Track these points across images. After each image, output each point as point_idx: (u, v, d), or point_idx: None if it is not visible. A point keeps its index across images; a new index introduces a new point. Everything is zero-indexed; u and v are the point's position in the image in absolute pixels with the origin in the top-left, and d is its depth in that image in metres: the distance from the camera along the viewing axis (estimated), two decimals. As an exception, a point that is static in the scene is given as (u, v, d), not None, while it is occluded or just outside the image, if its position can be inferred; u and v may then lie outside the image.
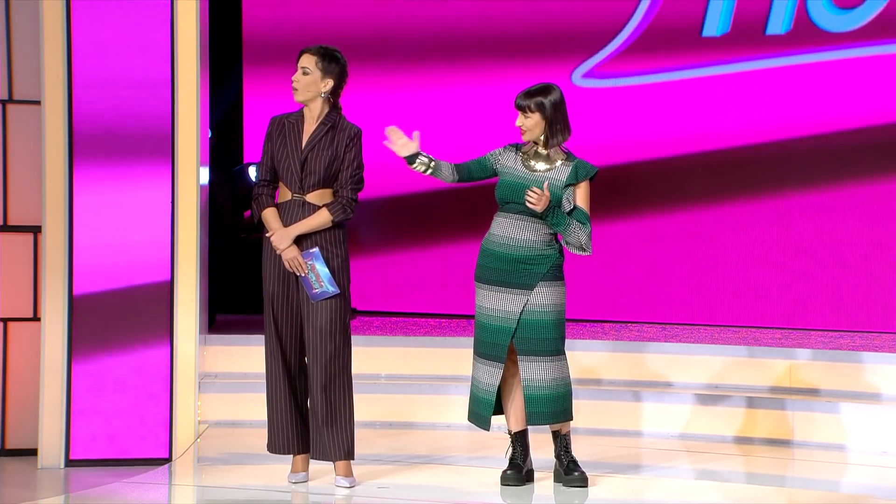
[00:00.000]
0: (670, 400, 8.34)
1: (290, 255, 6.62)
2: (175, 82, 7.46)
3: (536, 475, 6.98)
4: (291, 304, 6.71)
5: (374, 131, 10.41)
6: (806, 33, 9.99)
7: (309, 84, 6.66)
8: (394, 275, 10.82)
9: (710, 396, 8.32)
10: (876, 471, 7.48)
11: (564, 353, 6.82)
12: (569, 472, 6.85)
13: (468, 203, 10.57)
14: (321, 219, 6.65)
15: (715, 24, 10.20)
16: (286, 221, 6.64)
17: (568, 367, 6.83)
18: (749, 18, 10.12)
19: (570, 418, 6.86)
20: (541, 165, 6.79)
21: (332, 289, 6.63)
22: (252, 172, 10.90)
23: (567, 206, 6.74)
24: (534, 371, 6.74)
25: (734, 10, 10.14)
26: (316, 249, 6.63)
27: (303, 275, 6.63)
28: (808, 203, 10.00)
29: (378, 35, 10.74)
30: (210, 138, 9.64)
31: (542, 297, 6.76)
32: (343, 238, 6.72)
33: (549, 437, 6.97)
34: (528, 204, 6.65)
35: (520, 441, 6.89)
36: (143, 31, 7.42)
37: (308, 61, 6.67)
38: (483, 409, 6.83)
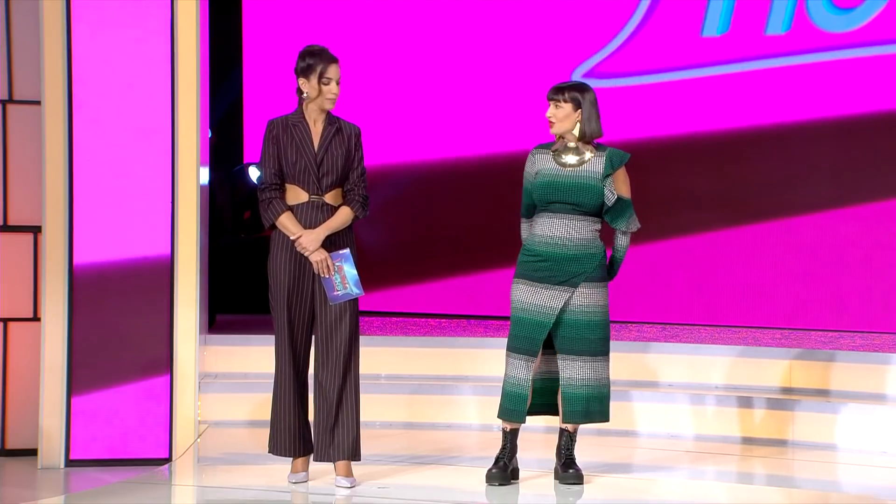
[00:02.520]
0: (670, 400, 8.34)
1: (319, 256, 6.63)
2: (175, 82, 7.45)
3: (536, 475, 6.99)
4: (305, 305, 6.72)
5: (374, 130, 10.43)
6: (805, 33, 10.00)
7: (337, 94, 6.72)
8: (394, 274, 10.82)
9: (710, 396, 8.32)
10: (876, 471, 7.48)
11: (608, 355, 6.82)
12: (565, 468, 6.87)
13: (470, 202, 10.57)
14: (343, 217, 6.68)
15: (715, 24, 10.20)
16: (304, 223, 6.65)
17: (608, 369, 6.83)
18: (749, 18, 10.12)
19: (606, 419, 6.86)
20: (571, 159, 6.81)
21: (356, 291, 6.64)
22: (253, 173, 10.89)
23: (611, 197, 6.76)
24: (573, 370, 6.75)
25: (734, 10, 10.14)
26: (347, 251, 6.65)
27: (327, 276, 6.64)
28: (809, 203, 10.00)
29: (377, 35, 10.74)
30: (210, 138, 9.64)
31: (587, 298, 6.76)
32: (354, 238, 6.76)
33: (546, 436, 6.97)
34: None
35: (513, 439, 6.89)
36: (143, 31, 7.41)
37: (339, 71, 6.72)
38: (516, 405, 6.80)
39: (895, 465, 7.57)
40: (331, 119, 6.74)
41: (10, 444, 7.67)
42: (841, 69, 9.91)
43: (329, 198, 6.69)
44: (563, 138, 6.86)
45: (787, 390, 8.38)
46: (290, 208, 6.67)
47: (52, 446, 7.38)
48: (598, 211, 6.80)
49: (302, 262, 6.67)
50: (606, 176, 6.77)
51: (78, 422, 7.38)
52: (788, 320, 10.01)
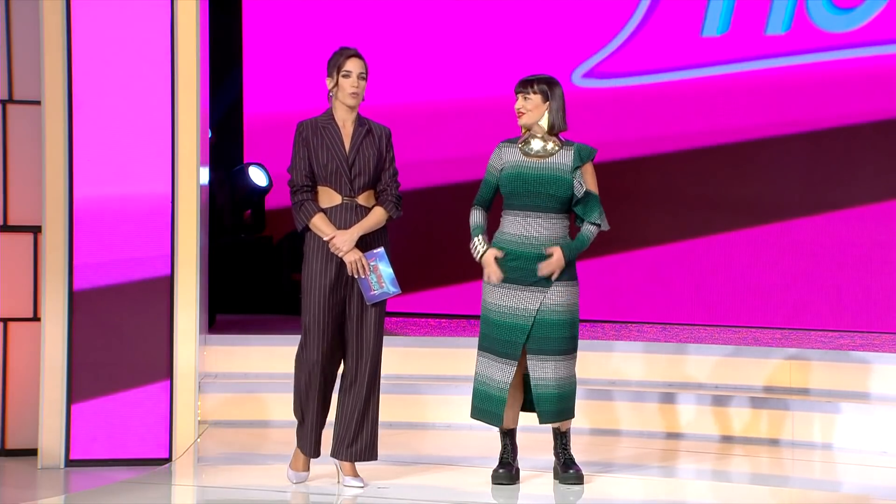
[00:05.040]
0: (669, 400, 8.34)
1: (353, 257, 6.62)
2: (175, 82, 7.45)
3: (536, 474, 6.99)
4: (342, 307, 6.70)
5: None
6: (805, 33, 10.00)
7: (364, 89, 6.71)
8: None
9: (710, 396, 8.32)
10: (876, 471, 7.49)
11: (575, 353, 6.83)
12: (565, 469, 6.87)
13: (470, 202, 10.57)
14: (377, 218, 6.68)
15: (715, 24, 10.20)
16: (338, 225, 6.63)
17: (575, 367, 6.84)
18: (749, 18, 10.13)
19: (572, 416, 6.87)
20: (537, 145, 6.82)
21: (393, 289, 6.64)
22: (254, 173, 10.88)
23: (580, 190, 6.77)
24: (545, 370, 6.75)
25: (734, 10, 10.14)
26: (381, 249, 6.65)
27: (363, 277, 6.63)
28: (808, 203, 10.00)
29: (376, 35, 10.74)
30: (210, 138, 9.64)
31: (558, 297, 6.77)
32: (387, 238, 6.77)
33: (548, 436, 6.97)
34: (545, 273, 6.70)
35: (511, 439, 6.90)
36: (143, 31, 7.42)
37: (362, 66, 6.70)
38: (497, 407, 6.82)
39: (895, 465, 7.57)
40: (360, 120, 6.74)
41: (10, 444, 7.68)
42: (841, 69, 9.91)
43: (362, 199, 6.68)
44: (528, 131, 6.86)
45: (787, 390, 8.38)
46: (323, 210, 6.66)
47: (52, 446, 7.38)
48: (566, 206, 6.79)
49: (338, 267, 6.66)
50: (576, 168, 6.78)
51: (78, 422, 7.38)
52: (788, 320, 10.01)
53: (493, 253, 6.79)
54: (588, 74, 10.43)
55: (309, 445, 6.79)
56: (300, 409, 6.76)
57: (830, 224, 9.93)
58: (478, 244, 6.86)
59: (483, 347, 6.87)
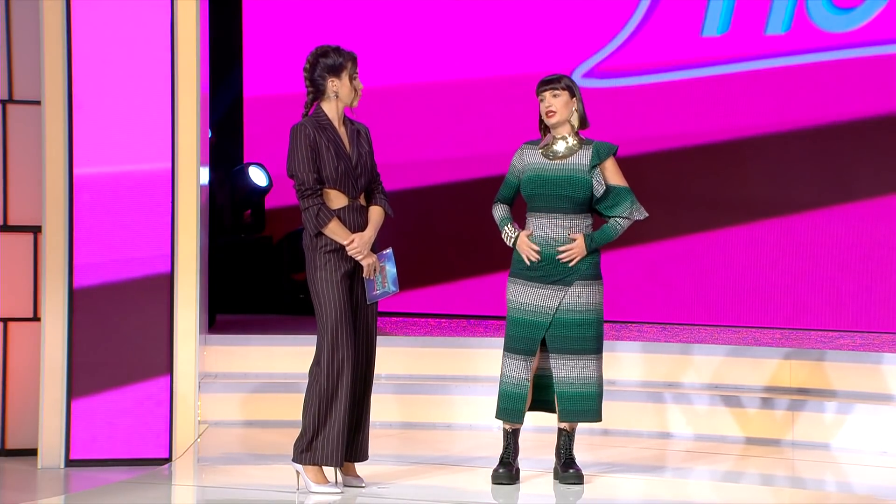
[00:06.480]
0: (669, 400, 8.35)
1: (371, 260, 6.62)
2: (175, 82, 7.46)
3: (536, 474, 6.99)
4: (354, 309, 6.71)
5: (373, 129, 10.37)
6: (805, 33, 10.00)
7: None
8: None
9: (710, 396, 8.32)
10: (876, 471, 7.49)
11: (601, 353, 6.84)
12: (565, 468, 6.87)
13: (469, 201, 10.57)
14: (379, 217, 6.70)
15: (715, 24, 10.20)
16: (349, 227, 6.60)
17: (601, 368, 6.84)
18: (749, 18, 10.12)
19: (599, 419, 6.86)
20: (561, 146, 6.81)
21: (393, 288, 6.66)
22: (254, 173, 10.88)
23: (599, 189, 6.77)
24: (566, 368, 6.76)
25: (734, 10, 10.14)
26: (390, 250, 6.67)
27: (372, 278, 6.64)
28: (808, 203, 10.00)
29: (376, 36, 10.74)
30: (210, 138, 9.64)
31: (580, 297, 6.78)
32: None
33: (548, 436, 6.97)
34: (566, 258, 6.73)
35: (514, 439, 6.90)
36: (143, 31, 7.42)
37: None
38: (515, 404, 6.82)
39: (895, 465, 7.57)
40: (349, 119, 6.72)
41: (10, 444, 7.68)
42: (841, 69, 9.91)
43: (362, 199, 6.68)
44: (549, 132, 6.86)
45: (787, 390, 8.38)
46: (337, 213, 6.62)
47: (52, 446, 7.38)
48: (586, 206, 6.80)
49: (348, 272, 6.62)
50: (594, 167, 6.78)
51: (78, 422, 7.39)
52: (788, 320, 10.01)
53: (524, 235, 6.81)
54: (588, 74, 10.43)
55: (333, 454, 6.54)
56: (317, 419, 6.54)
57: (830, 223, 9.93)
58: (509, 232, 6.87)
59: (506, 347, 6.87)
